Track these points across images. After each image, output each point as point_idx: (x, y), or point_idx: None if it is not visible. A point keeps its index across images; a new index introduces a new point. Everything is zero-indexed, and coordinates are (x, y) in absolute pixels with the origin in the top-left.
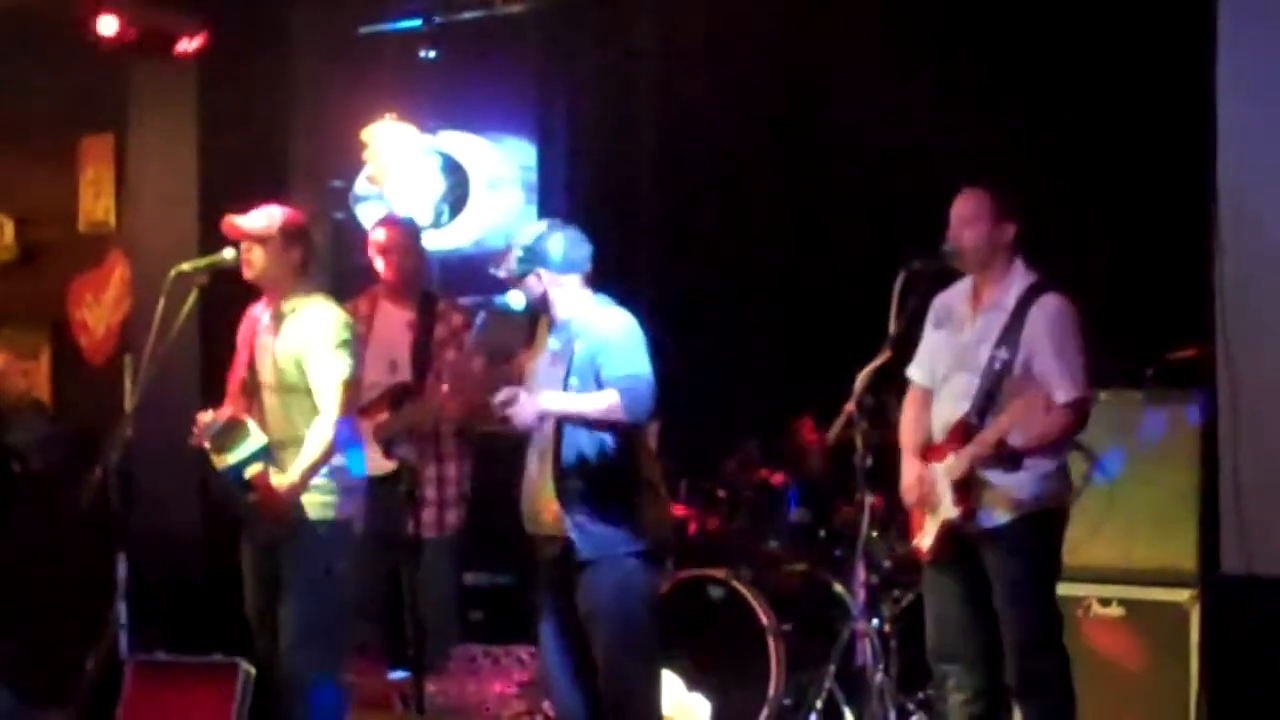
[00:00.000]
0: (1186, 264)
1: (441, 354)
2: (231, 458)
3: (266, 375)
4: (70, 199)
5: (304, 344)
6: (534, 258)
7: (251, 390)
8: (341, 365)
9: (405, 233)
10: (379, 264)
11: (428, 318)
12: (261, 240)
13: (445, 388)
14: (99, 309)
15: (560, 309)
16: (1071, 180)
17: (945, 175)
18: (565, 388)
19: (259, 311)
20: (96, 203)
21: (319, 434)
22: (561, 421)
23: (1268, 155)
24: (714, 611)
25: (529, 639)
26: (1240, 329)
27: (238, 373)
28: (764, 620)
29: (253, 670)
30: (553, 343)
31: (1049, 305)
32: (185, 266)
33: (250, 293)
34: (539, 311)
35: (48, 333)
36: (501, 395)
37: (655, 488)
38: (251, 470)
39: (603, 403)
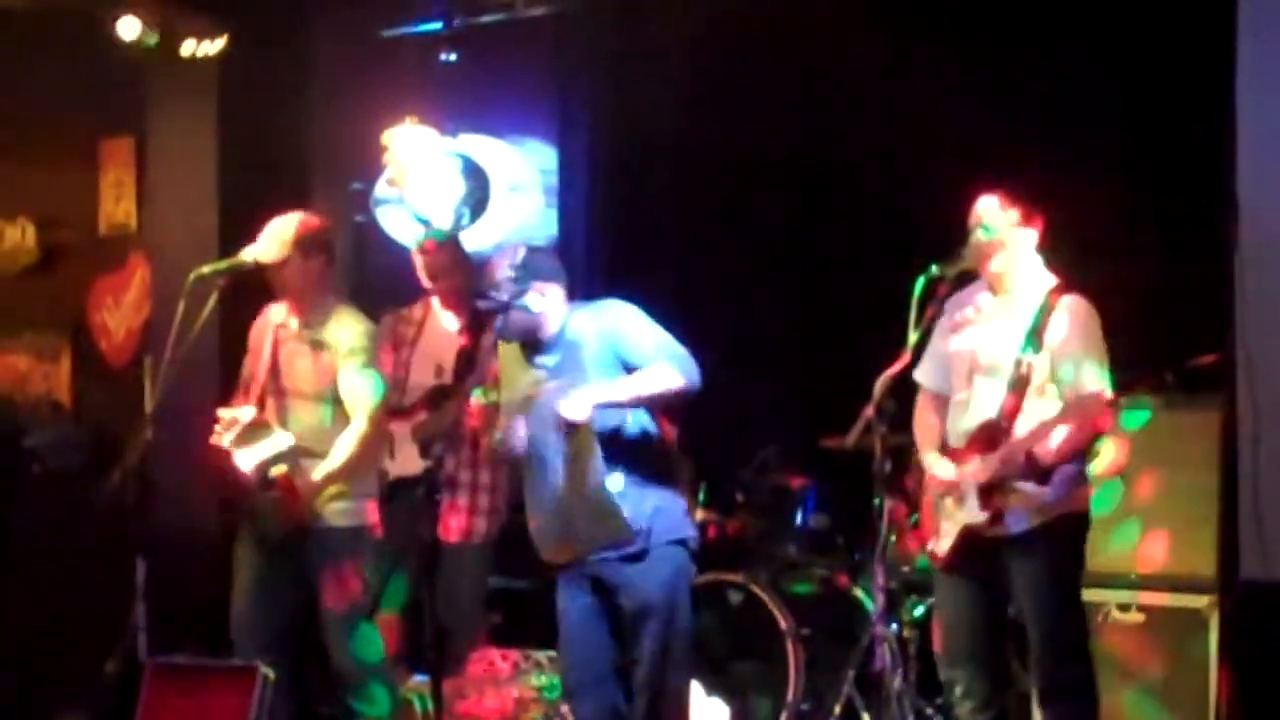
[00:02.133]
0: (1207, 270)
1: (488, 359)
2: (256, 454)
3: (295, 383)
4: (91, 202)
5: (334, 354)
6: (529, 273)
7: (273, 393)
8: (372, 379)
9: (449, 255)
10: (426, 283)
11: (477, 323)
12: (282, 264)
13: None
14: (119, 311)
15: (549, 324)
16: (1091, 186)
17: (966, 179)
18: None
19: (280, 316)
20: (117, 205)
21: (347, 444)
22: (588, 439)
23: None
24: (732, 616)
25: (548, 643)
26: (1260, 334)
27: (257, 375)
28: (782, 624)
29: (271, 674)
30: (546, 360)
31: (1072, 307)
32: (205, 269)
33: (269, 296)
34: (528, 334)
35: (68, 335)
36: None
37: (681, 479)
38: (276, 469)
39: (657, 377)
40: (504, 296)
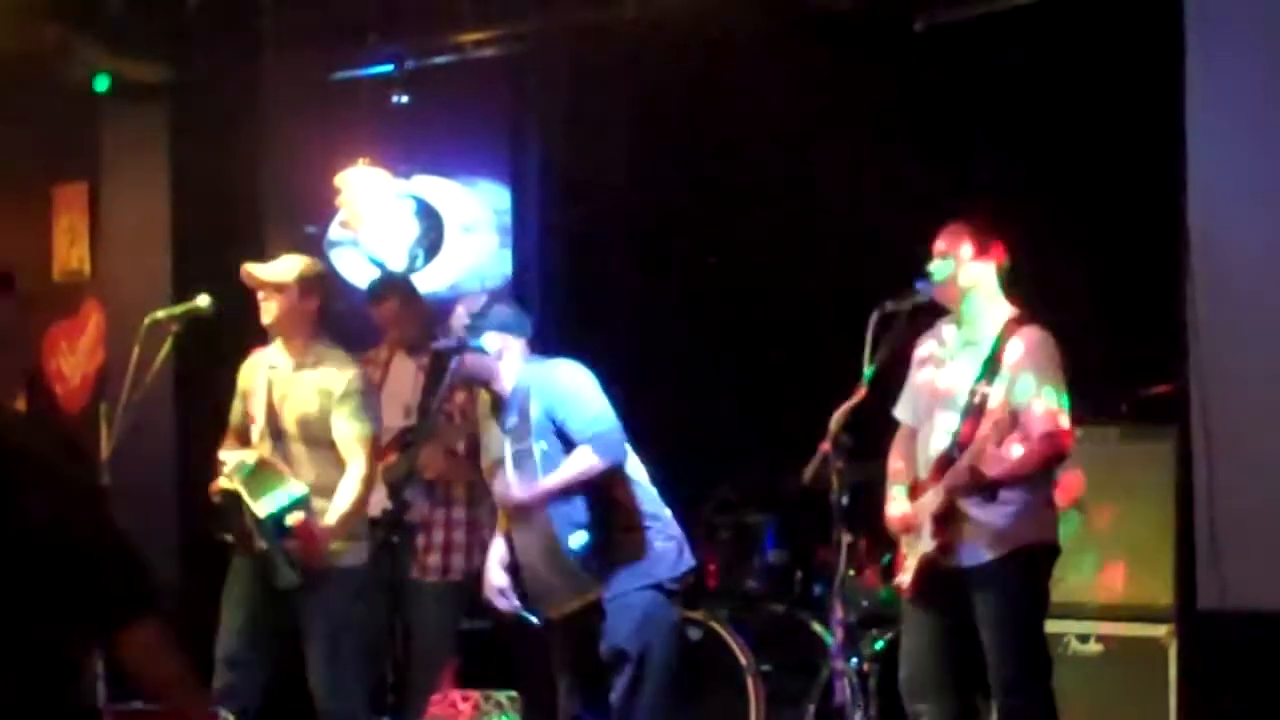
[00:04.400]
0: (1161, 301)
1: (451, 397)
2: (271, 504)
3: (289, 425)
4: (45, 248)
5: (327, 398)
6: (485, 323)
7: (271, 436)
8: (364, 419)
9: (402, 301)
10: (384, 333)
11: (439, 363)
12: (278, 289)
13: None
14: (74, 357)
15: (506, 379)
16: (1045, 218)
17: (922, 215)
18: (537, 454)
19: (271, 357)
20: (71, 251)
21: (351, 485)
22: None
23: (1237, 193)
24: (693, 652)
25: (508, 683)
26: (1213, 365)
27: (254, 417)
28: (743, 660)
29: (231, 718)
30: (508, 420)
31: (1029, 337)
32: (160, 314)
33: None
34: (480, 380)
35: (23, 381)
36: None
37: (657, 519)
38: (293, 518)
39: (580, 464)
40: (453, 342)
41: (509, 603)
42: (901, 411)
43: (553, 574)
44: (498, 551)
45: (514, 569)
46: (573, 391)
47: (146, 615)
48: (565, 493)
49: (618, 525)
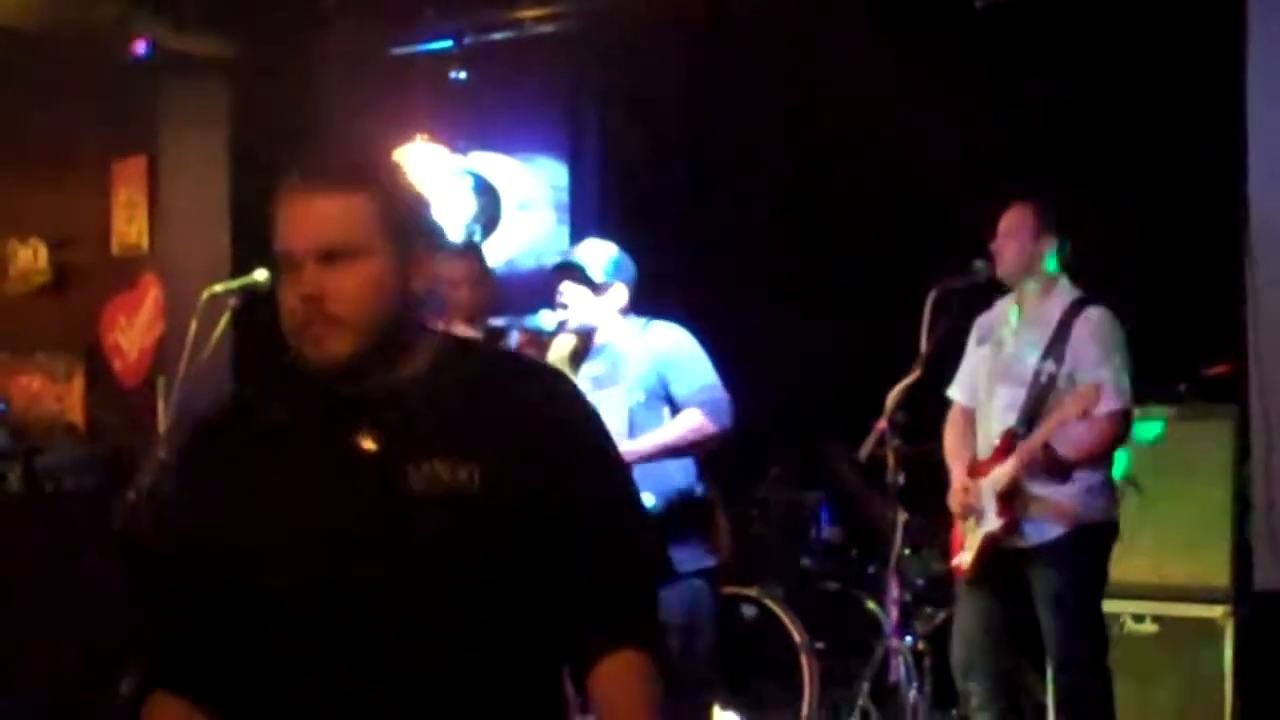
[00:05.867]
0: (1219, 280)
1: None
2: None
3: None
4: (103, 222)
5: None
6: (619, 271)
7: None
8: None
9: (474, 265)
10: (448, 295)
11: (492, 340)
12: None
13: None
14: (132, 332)
15: (604, 331)
16: (1104, 198)
17: (979, 194)
18: (628, 406)
19: None
20: (129, 225)
21: None
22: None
23: None
24: (747, 630)
25: None
26: (1272, 344)
27: None
28: (797, 638)
29: None
30: (593, 368)
31: (1094, 317)
32: (218, 288)
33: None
34: (583, 332)
35: (81, 356)
36: None
37: (718, 506)
38: None
39: (686, 426)
40: (599, 281)
41: None
42: (957, 391)
43: None
44: None
45: None
46: (682, 353)
47: (628, 647)
48: (662, 454)
49: (688, 507)
